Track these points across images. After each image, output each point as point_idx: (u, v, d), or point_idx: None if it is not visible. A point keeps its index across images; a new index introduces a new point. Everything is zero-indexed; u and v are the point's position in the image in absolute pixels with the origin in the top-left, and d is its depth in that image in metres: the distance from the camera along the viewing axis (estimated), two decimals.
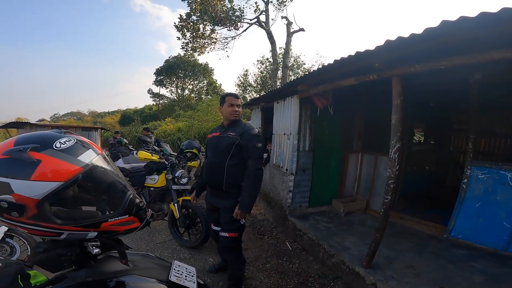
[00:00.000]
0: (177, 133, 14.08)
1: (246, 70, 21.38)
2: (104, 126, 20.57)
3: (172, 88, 31.22)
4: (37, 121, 17.17)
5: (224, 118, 2.38)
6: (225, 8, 12.50)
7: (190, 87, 31.30)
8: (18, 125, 11.60)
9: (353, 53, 2.54)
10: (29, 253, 2.77)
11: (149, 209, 0.96)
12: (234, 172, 2.22)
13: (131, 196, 0.89)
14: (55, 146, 0.77)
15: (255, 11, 12.72)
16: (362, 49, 2.45)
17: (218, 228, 2.43)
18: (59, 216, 0.76)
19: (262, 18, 12.77)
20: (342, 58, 2.68)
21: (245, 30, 13.48)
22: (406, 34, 2.07)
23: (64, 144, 0.79)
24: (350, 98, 4.19)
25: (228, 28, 12.83)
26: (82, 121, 37.23)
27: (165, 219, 3.83)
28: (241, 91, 20.61)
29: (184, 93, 30.90)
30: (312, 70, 3.94)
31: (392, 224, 3.62)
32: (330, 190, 4.50)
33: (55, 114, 59.06)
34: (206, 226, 3.24)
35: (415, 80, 2.72)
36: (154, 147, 6.14)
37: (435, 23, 1.90)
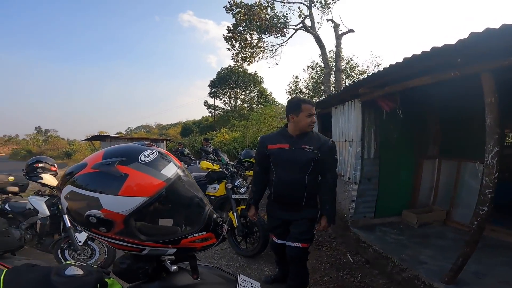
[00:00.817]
0: (233, 143, 14.59)
1: (296, 77, 21.11)
2: (168, 137, 22.51)
3: (225, 99, 32.68)
4: (115, 134, 19.70)
5: (296, 128, 2.13)
6: (269, 16, 12.58)
7: (242, 97, 32.35)
8: (101, 137, 13.51)
9: (427, 49, 2.29)
10: (106, 256, 3.05)
11: (225, 225, 0.92)
12: (313, 185, 2.14)
13: (209, 211, 0.86)
14: (140, 160, 0.75)
15: (299, 16, 12.55)
16: (439, 44, 2.21)
17: (282, 241, 2.35)
18: (143, 232, 0.76)
19: (308, 22, 12.54)
20: (414, 56, 2.42)
21: (291, 36, 13.27)
22: (496, 26, 1.82)
23: (148, 157, 0.77)
24: (422, 99, 3.78)
25: (275, 35, 12.85)
26: (150, 133, 41.38)
27: None
28: None
29: (237, 103, 32.06)
30: (367, 71, 3.67)
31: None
32: (400, 199, 4.12)
33: (128, 127, 67.00)
34: (264, 236, 3.23)
35: (506, 75, 2.32)
36: (213, 156, 6.45)
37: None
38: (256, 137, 12.65)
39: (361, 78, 4.22)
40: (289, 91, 20.80)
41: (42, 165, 3.27)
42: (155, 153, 0.80)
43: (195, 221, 0.84)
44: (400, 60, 2.60)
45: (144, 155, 0.77)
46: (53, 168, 3.37)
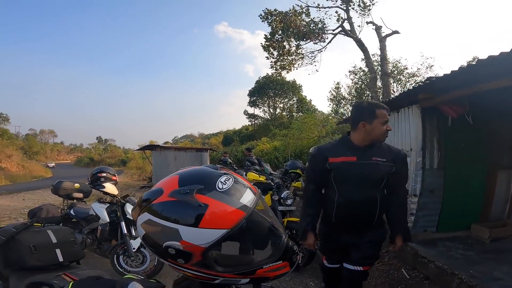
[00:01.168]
0: (274, 152, 14.55)
1: (338, 83, 20.29)
2: (211, 146, 23.30)
3: (264, 108, 32.98)
4: (163, 143, 21.03)
5: (366, 138, 1.81)
6: (305, 22, 12.31)
7: (281, 105, 32.38)
8: (151, 147, 14.43)
9: (508, 50, 2.00)
10: (155, 263, 3.16)
11: (299, 252, 0.85)
12: (384, 203, 1.88)
13: (286, 239, 0.81)
14: (218, 187, 0.71)
15: (337, 20, 12.11)
16: None
17: (336, 266, 2.12)
18: (218, 263, 0.72)
19: (347, 26, 12.07)
20: (491, 57, 2.14)
21: (330, 41, 12.80)
22: None
23: (225, 184, 0.72)
24: (496, 103, 3.34)
25: (313, 41, 12.51)
26: (194, 142, 43.16)
27: None
28: (334, 106, 19.82)
29: (276, 112, 32.14)
30: (418, 74, 3.34)
31: None
32: (468, 213, 3.75)
33: (175, 136, 71.10)
34: (310, 249, 3.07)
35: None
36: (258, 167, 6.45)
37: None
38: (298, 146, 12.42)
39: (412, 82, 3.89)
40: (330, 98, 20.20)
41: (104, 174, 3.56)
42: (231, 179, 0.75)
43: (271, 250, 0.80)
44: (459, 61, 2.34)
45: (221, 181, 0.72)
46: (114, 178, 3.64)
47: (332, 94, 20.19)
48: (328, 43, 12.85)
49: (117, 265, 3.14)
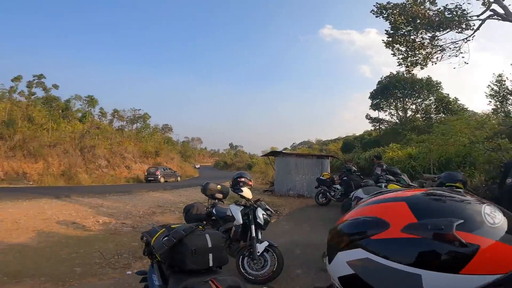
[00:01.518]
0: (408, 160, 12.60)
1: (499, 75, 15.52)
2: (329, 153, 22.49)
3: (391, 111, 29.13)
4: (282, 149, 21.97)
5: None
6: (432, 11, 10.58)
7: (413, 106, 27.69)
8: (274, 153, 15.26)
9: None
10: (274, 269, 3.19)
11: None
12: None
13: None
14: (488, 222, 0.52)
15: (483, 4, 9.97)
16: None
17: None
18: None
19: (499, 10, 9.81)
20: None
21: (478, 28, 10.58)
22: None
23: (496, 218, 0.52)
24: None
25: (456, 30, 10.51)
26: (311, 149, 42.73)
27: None
28: (498, 104, 15.22)
29: (407, 115, 27.73)
30: None
31: None
32: None
33: (293, 143, 73.10)
34: None
35: None
36: (389, 176, 5.67)
37: None
38: (442, 154, 10.13)
39: None
40: (490, 94, 15.69)
41: (243, 179, 3.91)
42: (497, 210, 0.54)
43: None
44: None
45: (487, 213, 0.52)
46: (250, 183, 3.94)
47: (492, 89, 15.65)
48: (475, 31, 10.67)
49: (240, 266, 3.32)
